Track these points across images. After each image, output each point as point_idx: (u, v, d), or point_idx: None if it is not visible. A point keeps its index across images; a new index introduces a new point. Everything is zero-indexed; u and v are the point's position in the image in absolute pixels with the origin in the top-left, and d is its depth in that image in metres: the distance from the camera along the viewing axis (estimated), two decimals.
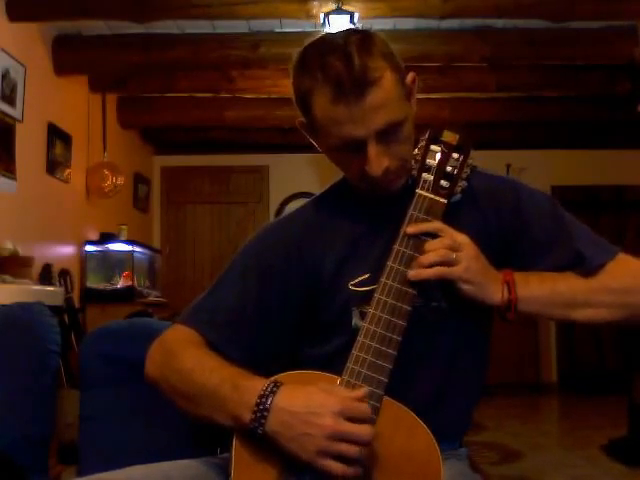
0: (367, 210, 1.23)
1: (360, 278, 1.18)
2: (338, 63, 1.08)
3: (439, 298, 1.17)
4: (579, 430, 4.89)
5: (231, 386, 1.05)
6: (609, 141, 6.72)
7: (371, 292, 1.12)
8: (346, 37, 1.12)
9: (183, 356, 1.14)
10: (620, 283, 1.17)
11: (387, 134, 1.11)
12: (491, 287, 1.12)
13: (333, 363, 1.09)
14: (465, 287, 1.11)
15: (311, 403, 1.00)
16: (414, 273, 1.08)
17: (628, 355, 4.30)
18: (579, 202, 6.96)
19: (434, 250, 1.09)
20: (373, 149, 1.11)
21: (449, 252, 1.09)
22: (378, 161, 1.12)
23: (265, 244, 1.25)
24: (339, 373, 1.06)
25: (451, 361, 1.20)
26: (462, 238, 1.11)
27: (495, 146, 6.32)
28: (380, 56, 1.11)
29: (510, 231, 1.21)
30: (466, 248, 1.11)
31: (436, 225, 1.11)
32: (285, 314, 1.21)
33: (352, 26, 3.89)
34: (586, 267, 1.17)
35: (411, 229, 1.10)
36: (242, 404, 1.02)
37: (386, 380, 1.04)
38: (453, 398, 1.20)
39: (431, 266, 1.08)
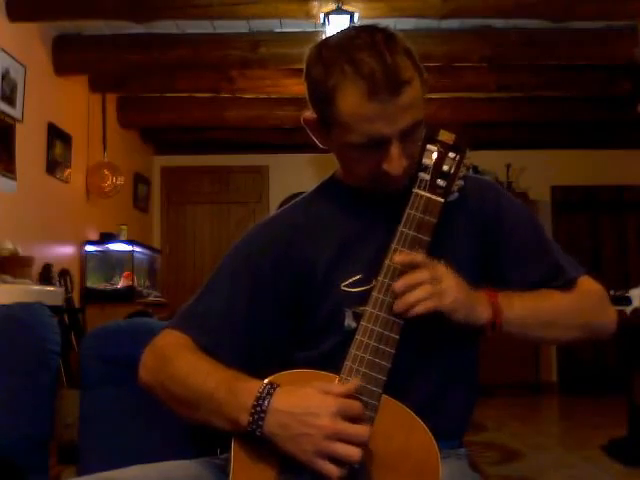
0: (359, 210, 1.23)
1: (352, 279, 1.18)
2: (370, 59, 1.07)
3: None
4: (579, 430, 4.89)
5: (227, 389, 1.05)
6: (609, 141, 6.72)
7: (363, 293, 1.12)
8: (370, 33, 1.12)
9: (178, 361, 1.13)
10: (587, 305, 1.23)
11: (408, 134, 1.12)
12: (478, 310, 1.11)
13: (326, 364, 1.08)
14: (454, 316, 1.09)
15: (308, 404, 1.00)
16: (402, 310, 1.05)
17: (627, 355, 4.30)
18: (579, 202, 6.97)
19: (418, 286, 1.06)
20: (396, 148, 1.11)
21: (434, 286, 1.06)
22: (399, 160, 1.12)
23: (253, 246, 1.24)
24: (334, 374, 1.05)
25: (449, 358, 1.20)
26: (442, 268, 1.10)
27: (495, 146, 6.32)
28: (406, 56, 1.11)
29: (491, 235, 1.22)
30: (447, 278, 1.09)
31: (420, 257, 1.08)
32: (276, 316, 1.21)
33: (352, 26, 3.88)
34: (564, 279, 1.21)
35: (398, 258, 1.08)
36: (239, 407, 1.02)
37: (384, 379, 1.04)
38: (452, 396, 1.20)
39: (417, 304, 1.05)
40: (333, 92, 1.11)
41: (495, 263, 1.22)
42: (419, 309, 1.05)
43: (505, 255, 1.22)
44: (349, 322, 1.16)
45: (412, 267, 1.08)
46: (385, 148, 1.11)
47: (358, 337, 1.06)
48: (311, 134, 1.22)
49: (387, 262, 1.09)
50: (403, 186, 1.17)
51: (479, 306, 1.11)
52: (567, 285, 1.22)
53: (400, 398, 1.05)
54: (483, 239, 1.22)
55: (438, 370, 1.19)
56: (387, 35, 1.12)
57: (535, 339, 1.23)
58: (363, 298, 1.10)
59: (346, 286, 1.18)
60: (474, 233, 1.21)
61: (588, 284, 1.25)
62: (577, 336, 1.23)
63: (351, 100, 1.10)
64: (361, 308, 1.10)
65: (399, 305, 1.06)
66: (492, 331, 1.12)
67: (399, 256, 1.08)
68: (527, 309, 1.16)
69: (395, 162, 1.12)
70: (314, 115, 1.19)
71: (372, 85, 1.07)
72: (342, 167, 1.25)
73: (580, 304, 1.22)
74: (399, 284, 1.06)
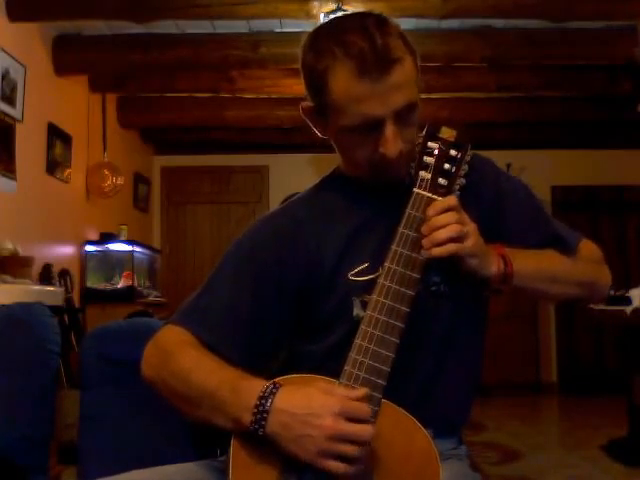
0: (363, 201, 1.23)
1: (359, 267, 1.18)
2: (360, 40, 1.08)
3: (438, 282, 1.18)
4: (579, 430, 4.89)
5: (230, 388, 1.05)
6: (609, 141, 6.72)
7: (371, 281, 1.11)
8: (362, 17, 1.13)
9: (181, 357, 1.13)
10: (587, 265, 1.28)
11: (402, 116, 1.12)
12: (489, 260, 1.13)
13: (335, 356, 1.08)
14: (471, 261, 1.11)
15: (311, 404, 1.00)
16: (426, 253, 1.07)
17: (628, 355, 4.30)
18: (579, 202, 6.98)
19: (446, 225, 1.07)
20: (391, 129, 1.11)
21: (461, 226, 1.08)
22: (395, 142, 1.12)
23: (256, 240, 1.24)
24: (341, 366, 1.05)
25: (445, 347, 1.20)
26: (464, 213, 1.12)
27: (495, 146, 6.30)
28: (398, 37, 1.12)
29: (491, 212, 1.23)
30: (471, 223, 1.11)
31: (451, 202, 1.10)
32: (281, 310, 1.20)
33: None
34: (566, 248, 1.25)
35: (432, 211, 1.08)
36: (242, 406, 1.02)
37: (384, 383, 1.04)
38: (447, 384, 1.20)
39: (443, 243, 1.07)
40: (325, 75, 1.12)
41: (497, 237, 1.21)
42: (442, 250, 1.06)
43: (505, 230, 1.24)
44: (357, 311, 1.16)
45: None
46: (380, 130, 1.11)
47: (358, 341, 1.06)
48: (310, 123, 1.23)
49: (387, 264, 1.09)
50: (404, 174, 1.17)
51: (490, 257, 1.14)
52: (569, 251, 1.26)
53: (396, 388, 1.05)
54: (483, 220, 1.20)
55: (436, 356, 1.19)
56: (379, 19, 1.14)
57: (539, 293, 1.26)
58: (370, 287, 1.10)
59: (353, 275, 1.18)
60: (475, 213, 1.19)
61: (587, 249, 1.30)
62: (577, 293, 1.27)
63: (342, 81, 1.10)
64: (368, 297, 1.10)
65: (426, 243, 1.07)
66: (502, 283, 1.14)
67: (431, 209, 1.09)
68: (531, 263, 1.19)
69: (390, 143, 1.11)
70: (311, 104, 1.19)
71: (361, 64, 1.07)
72: (342, 156, 1.25)
73: (580, 264, 1.26)
74: (426, 227, 1.07)
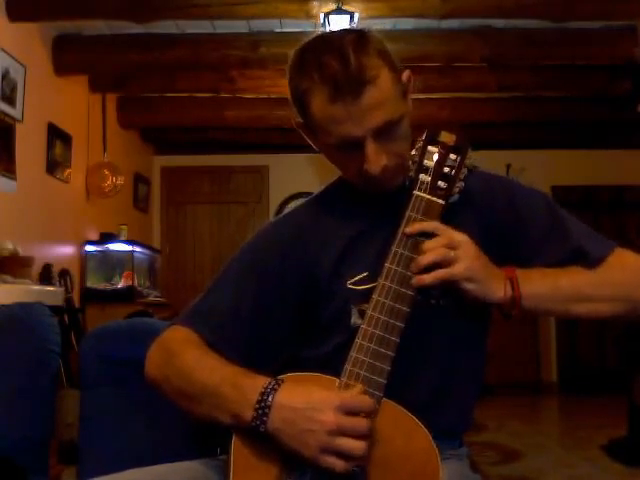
0: (364, 209, 1.23)
1: (358, 277, 1.18)
2: (334, 62, 1.09)
3: (438, 296, 1.18)
4: (579, 430, 4.89)
5: (232, 384, 1.05)
6: (609, 141, 6.72)
7: (370, 290, 1.12)
8: (342, 36, 1.13)
9: (183, 356, 1.14)
10: (621, 277, 1.18)
11: (384, 132, 1.12)
12: (493, 284, 1.11)
13: (332, 363, 1.09)
14: (468, 286, 1.10)
15: (312, 399, 1.00)
16: (415, 281, 1.07)
17: (629, 355, 4.30)
18: (579, 202, 6.97)
19: (432, 250, 1.08)
20: (371, 148, 1.12)
21: (447, 250, 1.08)
22: (377, 159, 1.12)
23: (261, 245, 1.26)
24: (338, 373, 1.06)
25: (449, 358, 1.20)
26: (460, 237, 1.10)
27: (495, 146, 6.32)
28: (376, 55, 1.11)
29: (506, 229, 1.21)
30: (464, 246, 1.10)
31: (433, 224, 1.10)
32: (282, 314, 1.21)
33: (352, 26, 3.89)
34: (588, 261, 1.18)
35: (408, 229, 1.10)
36: (243, 402, 1.03)
37: (384, 382, 1.04)
38: (452, 395, 1.20)
39: (430, 268, 1.07)
40: (305, 97, 1.14)
41: (514, 258, 1.19)
42: (429, 278, 1.06)
43: (523, 247, 1.21)
44: (355, 320, 1.17)
45: (428, 236, 1.09)
46: (361, 148, 1.12)
47: (358, 340, 1.06)
48: (304, 137, 1.24)
49: (387, 265, 1.09)
50: (397, 185, 1.18)
51: (495, 281, 1.11)
52: (593, 265, 1.18)
53: (401, 398, 1.05)
54: (499, 238, 1.20)
55: (438, 369, 1.19)
56: (359, 36, 1.13)
57: (560, 314, 1.20)
58: (369, 296, 1.10)
59: (352, 284, 1.19)
60: (482, 233, 1.18)
61: (623, 257, 1.21)
62: (612, 310, 1.17)
63: (318, 104, 1.12)
64: (366, 305, 1.10)
65: (412, 268, 1.07)
66: (512, 308, 1.11)
67: (409, 227, 1.09)
68: (548, 284, 1.14)
69: (372, 161, 1.12)
70: (300, 119, 1.21)
71: (334, 88, 1.09)
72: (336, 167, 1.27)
73: (612, 278, 1.17)
74: (414, 266, 1.07)
